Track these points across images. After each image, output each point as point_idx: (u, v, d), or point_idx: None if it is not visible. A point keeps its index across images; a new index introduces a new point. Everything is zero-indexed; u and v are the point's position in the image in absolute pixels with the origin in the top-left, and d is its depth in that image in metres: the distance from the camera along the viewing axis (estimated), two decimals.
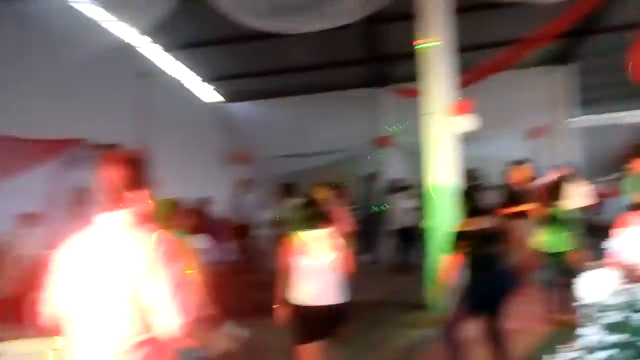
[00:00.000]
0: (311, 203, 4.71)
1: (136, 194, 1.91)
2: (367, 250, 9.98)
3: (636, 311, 2.13)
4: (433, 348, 4.95)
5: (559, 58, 12.07)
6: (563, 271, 5.26)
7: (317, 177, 9.15)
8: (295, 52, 10.39)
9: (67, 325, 1.86)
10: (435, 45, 5.69)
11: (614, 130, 14.76)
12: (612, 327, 2.14)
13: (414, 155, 12.58)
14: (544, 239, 5.34)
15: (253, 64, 11.12)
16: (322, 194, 5.52)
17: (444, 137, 5.62)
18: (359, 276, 5.96)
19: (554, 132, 12.41)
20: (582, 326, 2.26)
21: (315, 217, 3.96)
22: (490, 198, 8.92)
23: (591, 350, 2.16)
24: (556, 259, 5.29)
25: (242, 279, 7.08)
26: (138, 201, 1.91)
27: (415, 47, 6.43)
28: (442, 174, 5.64)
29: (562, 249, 5.24)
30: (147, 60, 9.36)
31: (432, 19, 5.74)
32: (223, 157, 12.38)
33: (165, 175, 2.14)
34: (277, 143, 12.88)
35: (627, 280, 2.25)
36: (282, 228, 6.76)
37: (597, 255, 3.46)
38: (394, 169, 12.67)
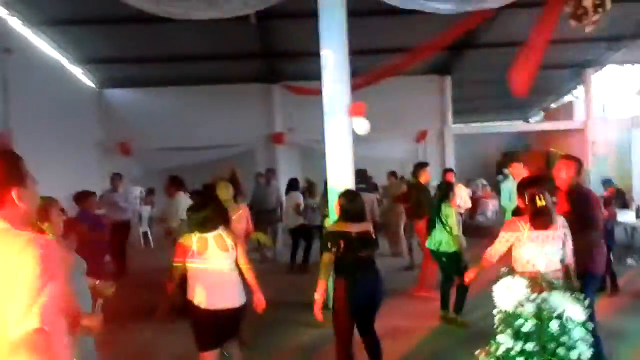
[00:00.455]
0: (207, 201, 4.52)
1: (8, 193, 1.61)
2: (263, 250, 9.79)
3: (547, 319, 2.19)
4: (330, 348, 4.91)
5: (440, 69, 12.88)
6: (453, 271, 5.51)
7: (207, 172, 8.75)
8: (184, 40, 9.79)
9: None
10: (333, 46, 5.63)
11: (485, 138, 16.24)
12: (522, 336, 2.19)
13: (308, 153, 12.77)
14: (436, 239, 5.56)
15: (137, 48, 10.27)
16: (220, 192, 5.21)
17: (342, 138, 5.61)
18: (255, 276, 5.66)
19: (433, 137, 13.27)
20: (497, 333, 2.30)
21: (212, 216, 3.72)
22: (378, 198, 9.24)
23: (504, 358, 2.19)
24: (447, 259, 5.52)
25: (124, 282, 6.49)
26: (10, 202, 1.61)
27: (312, 47, 6.42)
28: (340, 174, 5.62)
29: (451, 249, 5.47)
30: (10, 35, 8.14)
31: (330, 20, 5.68)
32: (102, 148, 11.32)
33: (32, 168, 1.73)
34: (163, 135, 12.11)
35: (533, 288, 2.32)
36: (171, 226, 6.29)
37: (479, 256, 3.65)
38: (287, 167, 12.64)
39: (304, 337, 5.31)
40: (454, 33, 8.08)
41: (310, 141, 11.98)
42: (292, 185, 8.92)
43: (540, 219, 3.11)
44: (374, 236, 3.94)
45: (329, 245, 3.81)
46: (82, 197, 5.98)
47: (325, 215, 6.29)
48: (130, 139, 11.35)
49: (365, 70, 9.33)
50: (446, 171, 9.01)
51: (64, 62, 10.38)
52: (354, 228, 3.83)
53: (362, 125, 5.61)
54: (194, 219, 3.70)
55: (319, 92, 5.78)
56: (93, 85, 12.17)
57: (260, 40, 10.16)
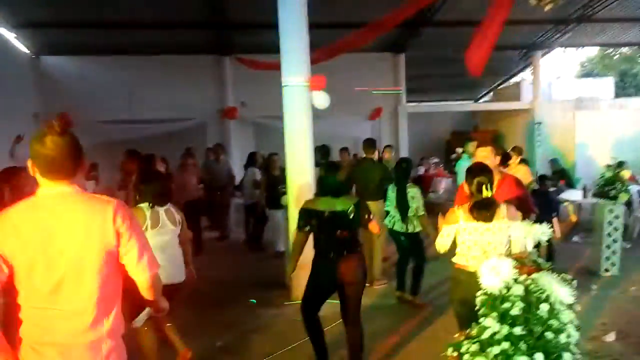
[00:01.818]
0: (158, 174, 4.52)
1: (81, 164, 1.93)
2: (217, 226, 9.51)
3: (535, 302, 2.14)
4: (285, 327, 4.85)
5: (394, 46, 12.83)
6: (413, 252, 5.52)
7: (154, 146, 8.34)
8: (130, 5, 9.19)
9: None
10: (291, 18, 5.41)
11: (435, 117, 16.46)
12: (508, 319, 2.13)
13: (262, 129, 12.46)
14: (393, 218, 5.53)
15: (77, 13, 9.53)
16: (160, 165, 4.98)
17: (302, 111, 5.46)
18: (209, 253, 5.49)
19: (386, 115, 13.29)
20: (482, 315, 2.24)
21: (165, 189, 3.76)
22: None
23: (488, 342, 2.14)
24: (408, 238, 5.49)
25: None
26: (80, 171, 1.93)
27: (266, 18, 6.15)
28: (299, 149, 5.48)
29: (415, 230, 5.44)
30: None
31: None
32: (38, 120, 10.55)
33: None
34: (106, 107, 11.43)
35: (519, 270, 2.26)
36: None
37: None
38: (240, 142, 12.30)
39: (258, 318, 5.19)
40: (410, 9, 8.00)
41: (264, 117, 11.69)
42: (250, 160, 8.69)
43: (482, 212, 3.05)
44: (353, 214, 3.68)
45: (300, 223, 3.70)
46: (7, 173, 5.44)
47: (283, 192, 6.13)
48: (70, 110, 10.65)
49: (320, 45, 9.12)
50: (386, 147, 8.93)
51: None
52: (328, 205, 3.66)
53: (322, 99, 5.47)
54: (150, 190, 3.64)
55: (278, 66, 5.55)
56: (27, 51, 11.26)
57: (211, 8, 9.70)
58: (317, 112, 5.70)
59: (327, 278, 3.69)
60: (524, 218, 3.23)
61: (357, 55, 11.31)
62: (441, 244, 3.28)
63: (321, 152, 7.56)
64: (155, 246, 3.45)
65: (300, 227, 3.72)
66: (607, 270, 6.39)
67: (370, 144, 6.72)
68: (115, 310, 1.94)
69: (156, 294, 2.09)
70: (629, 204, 7.52)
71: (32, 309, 1.85)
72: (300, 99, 5.45)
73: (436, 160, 13.43)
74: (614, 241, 6.39)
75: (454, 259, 3.27)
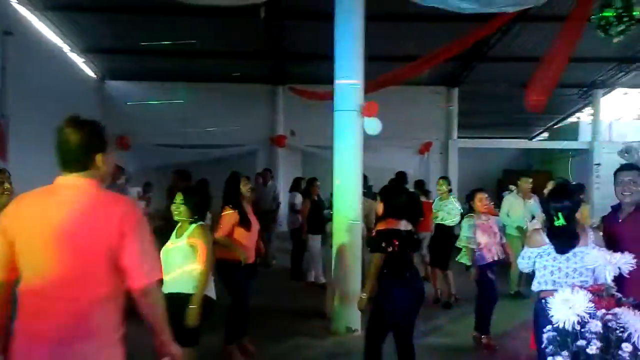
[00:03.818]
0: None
1: (93, 157, 1.90)
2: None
3: (615, 341, 1.91)
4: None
5: (448, 80, 12.71)
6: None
7: (206, 171, 8.50)
8: (190, 34, 9.56)
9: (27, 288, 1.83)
10: (348, 49, 5.49)
11: (487, 154, 16.02)
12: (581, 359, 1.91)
13: (310, 157, 12.53)
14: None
15: (141, 40, 10.01)
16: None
17: (353, 137, 5.46)
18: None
19: (436, 149, 13.07)
20: (551, 353, 2.02)
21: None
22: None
23: None
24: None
25: None
26: (99, 164, 1.91)
27: (322, 48, 6.24)
28: (349, 175, 5.43)
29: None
30: (10, 17, 7.87)
31: (347, 24, 5.56)
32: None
33: (27, 155, 1.65)
34: (162, 131, 11.85)
35: (596, 304, 2.03)
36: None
37: None
38: (288, 169, 12.40)
39: (310, 350, 5.02)
40: (464, 42, 7.93)
41: (312, 146, 11.76)
42: (294, 185, 8.71)
43: (554, 240, 2.86)
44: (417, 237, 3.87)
45: (384, 244, 3.63)
46: None
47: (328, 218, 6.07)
48: (128, 133, 11.08)
49: (374, 77, 9.14)
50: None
51: (65, 49, 10.12)
52: (402, 225, 3.71)
53: (374, 125, 5.43)
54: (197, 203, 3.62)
55: (330, 96, 5.59)
56: (94, 76, 11.91)
57: (268, 39, 9.96)
58: (365, 144, 5.68)
59: (405, 299, 3.62)
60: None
61: (410, 88, 11.27)
62: (523, 266, 3.13)
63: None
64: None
65: (381, 248, 3.65)
66: None
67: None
68: (113, 308, 1.86)
69: (154, 310, 1.90)
70: None
71: (29, 296, 1.82)
72: (352, 125, 5.45)
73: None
74: None
75: (535, 287, 3.03)
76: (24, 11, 8.33)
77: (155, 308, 1.92)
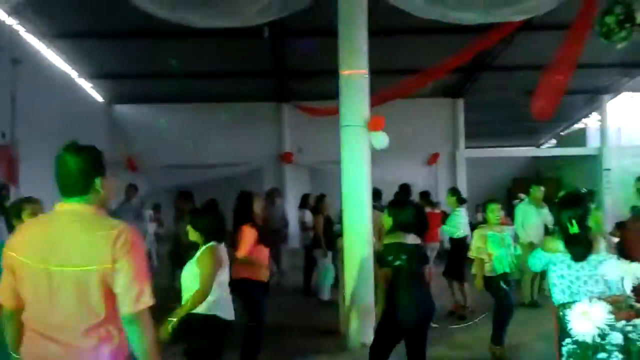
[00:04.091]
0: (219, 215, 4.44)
1: (96, 181, 1.93)
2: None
3: (636, 352, 1.87)
4: None
5: (453, 91, 12.72)
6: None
7: (214, 190, 8.53)
8: (195, 56, 9.68)
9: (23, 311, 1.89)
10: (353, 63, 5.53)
11: (495, 163, 15.95)
12: None
13: (317, 173, 12.55)
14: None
15: (147, 64, 10.17)
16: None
17: (360, 151, 5.46)
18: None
19: (444, 160, 13.03)
20: None
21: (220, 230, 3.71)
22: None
23: None
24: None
25: None
26: (98, 188, 1.94)
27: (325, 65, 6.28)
28: (357, 189, 5.43)
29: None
30: (19, 45, 8.02)
31: (351, 38, 5.60)
32: (108, 164, 11.11)
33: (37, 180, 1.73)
34: (170, 152, 11.93)
35: (616, 316, 1.99)
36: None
37: None
38: (295, 186, 12.41)
39: None
40: (466, 54, 7.96)
41: (319, 162, 11.78)
42: (302, 202, 8.70)
43: (570, 249, 2.81)
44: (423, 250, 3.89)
45: (390, 258, 3.62)
46: None
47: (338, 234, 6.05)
48: (137, 155, 11.18)
49: (378, 90, 9.17)
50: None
51: (73, 75, 10.28)
52: (410, 239, 3.71)
53: (381, 139, 5.44)
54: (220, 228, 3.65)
55: (335, 111, 5.62)
56: (102, 100, 12.07)
57: (273, 58, 10.05)
58: (373, 157, 5.68)
59: (412, 313, 3.60)
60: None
61: (415, 101, 11.29)
62: (532, 263, 3.11)
63: (373, 195, 7.47)
64: (222, 283, 3.49)
65: (389, 263, 3.63)
66: None
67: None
68: (110, 330, 1.87)
69: (141, 337, 1.87)
70: None
71: (30, 323, 1.87)
72: (359, 140, 5.46)
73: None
74: None
75: (555, 300, 2.95)
76: (32, 40, 8.48)
77: (144, 335, 1.89)
